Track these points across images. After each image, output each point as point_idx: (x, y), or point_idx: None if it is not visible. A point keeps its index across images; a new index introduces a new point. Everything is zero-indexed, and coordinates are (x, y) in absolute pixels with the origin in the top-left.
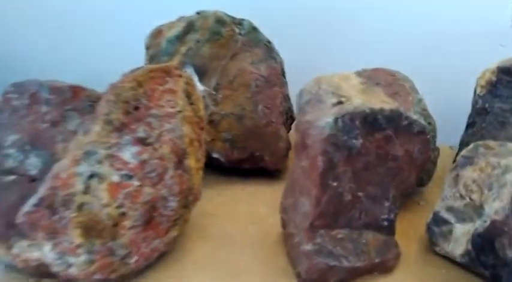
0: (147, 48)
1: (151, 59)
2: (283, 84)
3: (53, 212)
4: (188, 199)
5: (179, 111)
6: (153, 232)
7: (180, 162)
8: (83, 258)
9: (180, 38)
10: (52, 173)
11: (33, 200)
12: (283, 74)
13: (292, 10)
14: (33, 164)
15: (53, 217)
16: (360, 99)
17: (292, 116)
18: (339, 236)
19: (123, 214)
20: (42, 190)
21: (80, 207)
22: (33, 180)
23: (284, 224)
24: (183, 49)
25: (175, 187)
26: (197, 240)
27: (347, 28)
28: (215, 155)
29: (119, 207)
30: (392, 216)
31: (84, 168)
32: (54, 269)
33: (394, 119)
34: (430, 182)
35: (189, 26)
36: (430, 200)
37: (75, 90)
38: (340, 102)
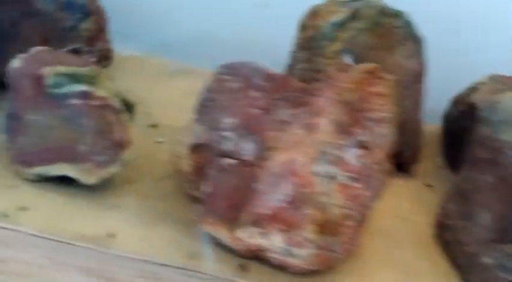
0: (304, 28)
1: (309, 40)
2: (425, 82)
3: (294, 208)
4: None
5: (391, 116)
6: (356, 231)
7: (384, 166)
8: (307, 251)
9: (344, 24)
10: (288, 169)
11: (279, 195)
12: None
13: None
14: (247, 148)
15: (293, 212)
16: None
17: None
18: (509, 251)
19: (348, 215)
20: (287, 187)
21: (318, 205)
22: (249, 165)
23: (442, 228)
24: (345, 36)
25: (378, 189)
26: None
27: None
28: None
29: (346, 207)
30: None
31: (320, 168)
32: (273, 255)
33: None
34: None
35: (355, 13)
36: None
37: (285, 80)
38: None
